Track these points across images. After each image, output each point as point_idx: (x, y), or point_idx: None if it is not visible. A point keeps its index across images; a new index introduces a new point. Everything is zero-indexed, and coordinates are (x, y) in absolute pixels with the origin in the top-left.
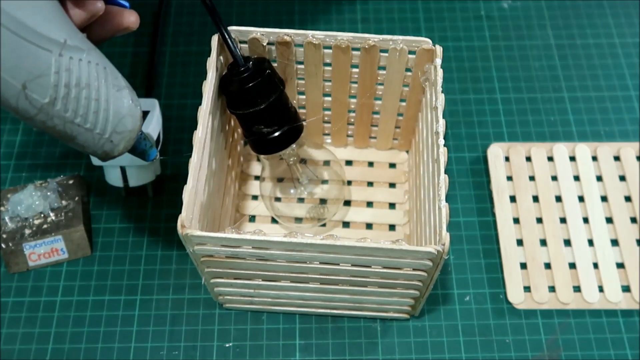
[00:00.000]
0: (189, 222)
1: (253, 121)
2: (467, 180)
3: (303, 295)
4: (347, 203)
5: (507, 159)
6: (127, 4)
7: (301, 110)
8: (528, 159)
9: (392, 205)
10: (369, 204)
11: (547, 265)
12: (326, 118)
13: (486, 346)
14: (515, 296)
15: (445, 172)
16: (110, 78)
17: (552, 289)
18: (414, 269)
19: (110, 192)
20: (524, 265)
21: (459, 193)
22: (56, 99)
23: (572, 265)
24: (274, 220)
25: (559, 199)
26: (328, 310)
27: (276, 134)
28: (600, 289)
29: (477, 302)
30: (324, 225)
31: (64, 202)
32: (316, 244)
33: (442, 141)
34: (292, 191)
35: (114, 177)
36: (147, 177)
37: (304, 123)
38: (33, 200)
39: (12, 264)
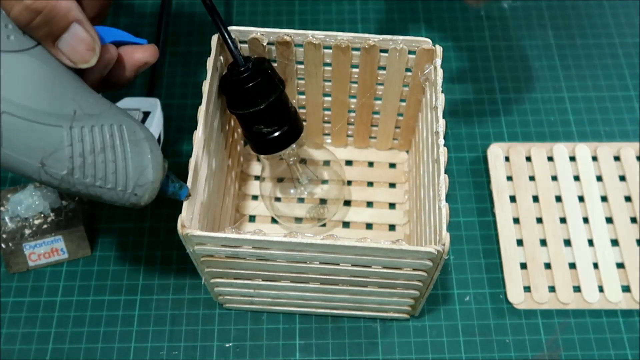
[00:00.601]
0: (189, 222)
1: (253, 121)
2: (467, 180)
3: (303, 295)
4: (347, 203)
5: (507, 159)
6: (144, 40)
7: (301, 110)
8: (528, 159)
9: (392, 205)
10: (369, 204)
11: (547, 265)
12: (326, 118)
13: (486, 346)
14: (515, 296)
15: (445, 172)
16: (126, 135)
17: (552, 289)
18: (414, 269)
19: None
20: (524, 265)
21: (459, 193)
22: (74, 169)
23: (572, 265)
24: (274, 221)
25: (559, 199)
26: (328, 310)
27: (276, 134)
28: (600, 289)
29: (477, 302)
30: (323, 225)
31: (64, 202)
32: (316, 243)
33: (442, 141)
34: (292, 191)
35: None
36: None
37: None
38: (33, 200)
39: (12, 264)
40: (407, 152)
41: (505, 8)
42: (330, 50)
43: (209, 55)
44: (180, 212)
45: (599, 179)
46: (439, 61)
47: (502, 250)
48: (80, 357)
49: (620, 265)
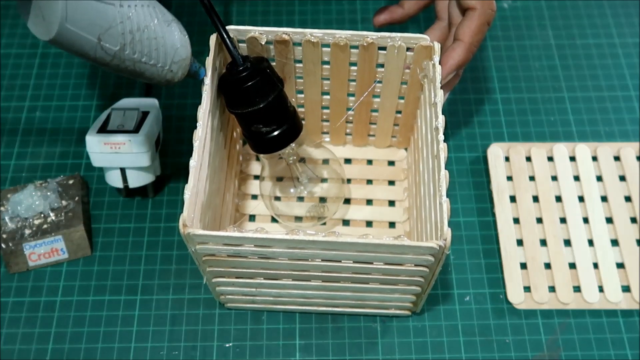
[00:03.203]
0: (191, 221)
1: (252, 120)
2: (467, 180)
3: (305, 294)
4: (347, 201)
5: (507, 159)
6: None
7: (300, 109)
8: (528, 159)
9: (391, 203)
10: (369, 202)
11: (547, 265)
12: (325, 117)
13: (486, 346)
14: (516, 296)
15: (445, 168)
16: (159, 15)
17: (552, 289)
18: (415, 265)
19: (110, 192)
20: (523, 265)
21: (459, 193)
22: (125, 45)
23: (572, 265)
24: (273, 220)
25: (559, 199)
26: (330, 308)
27: (275, 133)
28: (600, 289)
29: (477, 302)
30: (324, 224)
31: (64, 202)
32: (318, 241)
33: (441, 137)
34: (291, 190)
35: (113, 178)
36: (147, 178)
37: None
38: (33, 200)
39: (12, 264)
40: (406, 149)
41: (505, 8)
42: (328, 49)
43: (209, 55)
44: (180, 212)
45: (599, 179)
46: (437, 58)
47: (502, 250)
48: (80, 357)
49: (620, 265)
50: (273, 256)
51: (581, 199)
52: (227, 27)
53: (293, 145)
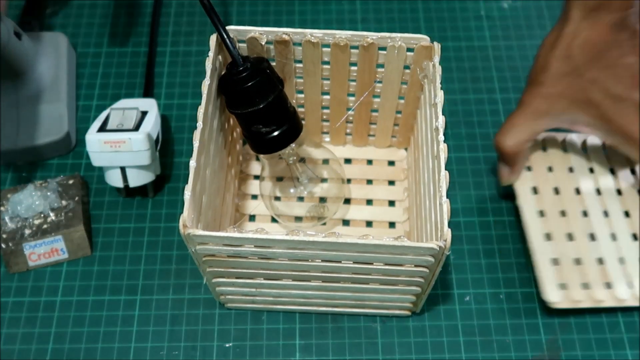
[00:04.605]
0: (191, 221)
1: (252, 121)
2: (467, 180)
3: (305, 294)
4: (347, 201)
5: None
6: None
7: (300, 109)
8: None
9: (391, 203)
10: (369, 202)
11: (577, 261)
12: (325, 117)
13: (486, 346)
14: (553, 294)
15: (445, 169)
16: None
17: (583, 285)
18: (415, 265)
19: (110, 192)
20: (554, 262)
21: (459, 193)
22: None
23: (600, 261)
24: (273, 220)
25: (577, 191)
26: (330, 308)
27: (275, 133)
28: (630, 285)
29: (476, 302)
30: (324, 224)
31: (64, 202)
32: (319, 241)
33: (442, 137)
34: (291, 190)
35: (114, 178)
36: (147, 177)
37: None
38: (33, 200)
39: (12, 264)
40: (406, 149)
41: (505, 8)
42: (328, 49)
43: (208, 55)
44: (180, 212)
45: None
46: (437, 58)
47: (531, 244)
48: (80, 357)
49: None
50: (273, 256)
51: (598, 191)
52: (227, 27)
53: (293, 145)
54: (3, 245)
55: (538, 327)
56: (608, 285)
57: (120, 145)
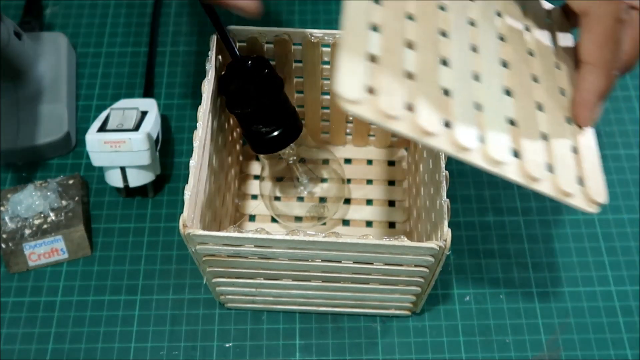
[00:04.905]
0: (191, 221)
1: (252, 121)
2: (467, 180)
3: (305, 294)
4: (347, 201)
5: None
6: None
7: (300, 109)
8: None
9: (391, 203)
10: (369, 202)
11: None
12: (325, 117)
13: (486, 346)
14: (350, 89)
15: (445, 169)
16: None
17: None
18: (415, 265)
19: (110, 192)
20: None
21: (459, 193)
22: None
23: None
24: (273, 220)
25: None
26: (330, 308)
27: (275, 133)
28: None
29: (477, 302)
30: (324, 224)
31: (64, 202)
32: (319, 241)
33: None
34: (291, 190)
35: (114, 178)
36: (147, 177)
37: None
38: (33, 200)
39: (12, 264)
40: (406, 149)
41: None
42: (328, 49)
43: (208, 55)
44: (180, 212)
45: None
46: None
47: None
48: (80, 357)
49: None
50: (273, 256)
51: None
52: (227, 27)
53: (293, 145)
54: (3, 245)
55: (538, 327)
56: (446, 124)
57: (120, 145)
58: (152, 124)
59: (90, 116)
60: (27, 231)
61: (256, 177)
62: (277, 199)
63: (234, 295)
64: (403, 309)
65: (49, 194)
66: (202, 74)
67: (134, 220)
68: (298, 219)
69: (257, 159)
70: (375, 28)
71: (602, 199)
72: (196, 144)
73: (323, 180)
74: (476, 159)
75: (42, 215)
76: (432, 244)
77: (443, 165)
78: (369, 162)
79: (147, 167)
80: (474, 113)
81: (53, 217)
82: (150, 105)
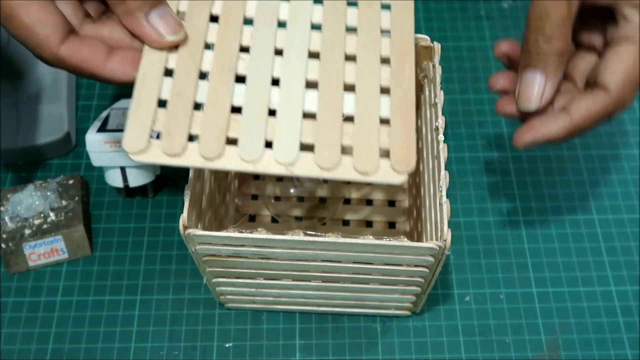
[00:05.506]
0: (191, 221)
1: None
2: (467, 180)
3: (305, 294)
4: (347, 201)
5: None
6: None
7: None
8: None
9: (391, 203)
10: (369, 202)
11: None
12: None
13: (486, 346)
14: (132, 142)
15: (445, 169)
16: None
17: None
18: (415, 265)
19: (110, 192)
20: (163, 104)
21: (459, 193)
22: None
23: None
24: (273, 220)
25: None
26: (330, 308)
27: None
28: (269, 145)
29: (477, 302)
30: (324, 224)
31: (64, 202)
32: (319, 241)
33: (442, 137)
34: (291, 190)
35: (114, 178)
36: (147, 177)
37: None
38: (33, 200)
39: (12, 264)
40: None
41: (505, 8)
42: None
43: None
44: (180, 212)
45: None
46: (437, 58)
47: (139, 78)
48: (80, 357)
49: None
50: (273, 256)
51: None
52: None
53: None
54: (3, 245)
55: (538, 327)
56: (232, 141)
57: (120, 145)
58: None
59: (90, 116)
60: (27, 231)
61: (256, 177)
62: (277, 199)
63: (234, 295)
64: (403, 309)
65: (49, 194)
66: None
67: (134, 220)
68: (298, 219)
69: None
70: (170, 72)
71: (406, 166)
72: None
73: (323, 180)
74: (268, 167)
75: (42, 215)
76: (432, 244)
77: (443, 165)
78: None
79: (147, 167)
80: (265, 122)
81: (53, 217)
82: None
